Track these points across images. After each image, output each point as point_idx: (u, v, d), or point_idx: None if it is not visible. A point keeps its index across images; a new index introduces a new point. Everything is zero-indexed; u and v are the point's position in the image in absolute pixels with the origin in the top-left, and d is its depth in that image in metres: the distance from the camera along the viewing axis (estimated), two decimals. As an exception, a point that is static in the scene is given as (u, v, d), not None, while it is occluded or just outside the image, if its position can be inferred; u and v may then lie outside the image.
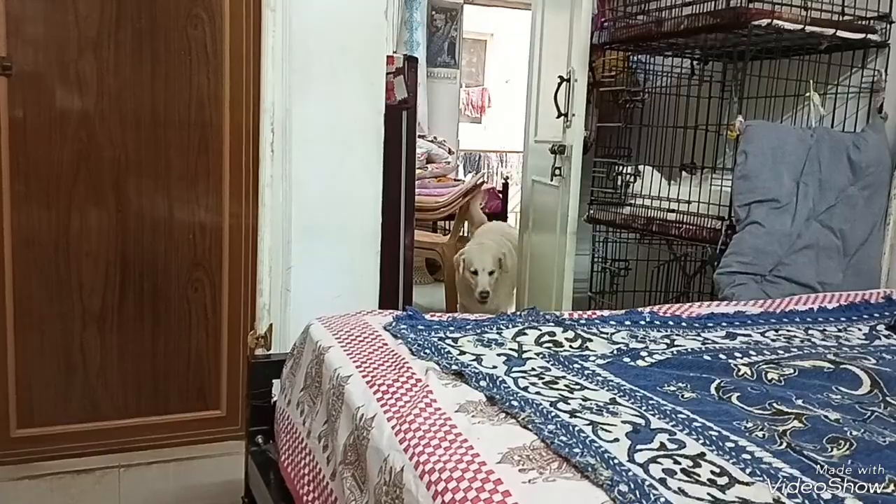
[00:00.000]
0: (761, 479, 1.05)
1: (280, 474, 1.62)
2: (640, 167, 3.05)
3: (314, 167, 2.52)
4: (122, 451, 2.44)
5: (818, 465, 1.10)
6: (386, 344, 1.57)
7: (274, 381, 1.80)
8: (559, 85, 3.16)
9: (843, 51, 2.65)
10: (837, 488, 1.03)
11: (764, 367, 1.56)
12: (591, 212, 3.24)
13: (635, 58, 3.48)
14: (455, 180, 7.73)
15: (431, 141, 7.43)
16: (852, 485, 1.05)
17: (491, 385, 1.34)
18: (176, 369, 2.45)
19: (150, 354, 2.47)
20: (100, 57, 2.30)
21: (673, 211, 2.72)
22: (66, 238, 2.35)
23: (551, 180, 3.26)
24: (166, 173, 2.42)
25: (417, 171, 6.31)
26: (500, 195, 7.19)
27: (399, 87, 3.44)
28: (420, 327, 1.68)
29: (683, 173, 3.01)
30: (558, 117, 3.20)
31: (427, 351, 1.52)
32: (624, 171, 3.06)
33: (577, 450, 1.08)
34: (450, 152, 7.73)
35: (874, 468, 1.11)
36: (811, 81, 2.61)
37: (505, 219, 6.86)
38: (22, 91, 2.24)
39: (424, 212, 5.81)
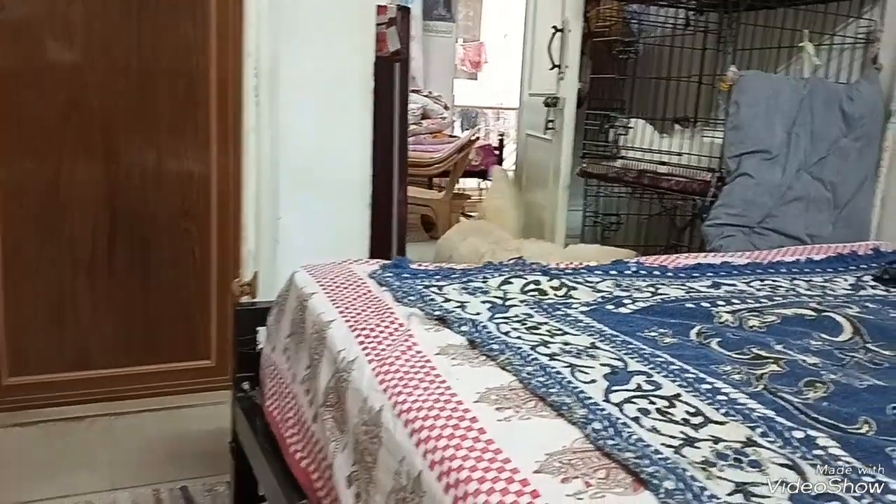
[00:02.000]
0: (735, 418, 1.07)
1: (266, 419, 1.63)
2: (633, 120, 3.02)
3: (302, 116, 2.50)
4: (114, 400, 2.46)
5: (793, 407, 1.11)
6: (370, 291, 1.58)
7: (260, 328, 1.80)
8: (553, 35, 3.12)
9: (839, 0, 2.61)
10: (810, 428, 1.05)
11: (746, 314, 1.57)
12: (584, 165, 3.23)
13: (630, 7, 3.43)
14: (451, 136, 7.68)
15: (426, 96, 7.36)
16: (825, 425, 1.06)
17: (473, 329, 1.34)
18: (166, 319, 2.46)
19: (141, 304, 2.47)
20: (87, 2, 2.26)
21: (664, 164, 2.71)
22: (55, 187, 2.34)
23: (545, 134, 3.25)
24: (154, 122, 2.40)
25: (412, 127, 6.28)
26: (497, 152, 7.16)
27: (392, 38, 3.38)
28: (405, 275, 1.69)
29: (676, 126, 2.99)
30: (552, 69, 3.17)
31: (411, 297, 1.52)
32: (616, 124, 3.04)
33: (553, 390, 1.09)
34: (445, 108, 7.66)
35: (849, 410, 1.12)
36: (806, 31, 2.58)
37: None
38: (10, 39, 2.21)
39: (419, 167, 5.78)
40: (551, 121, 3.32)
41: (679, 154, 2.66)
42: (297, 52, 2.44)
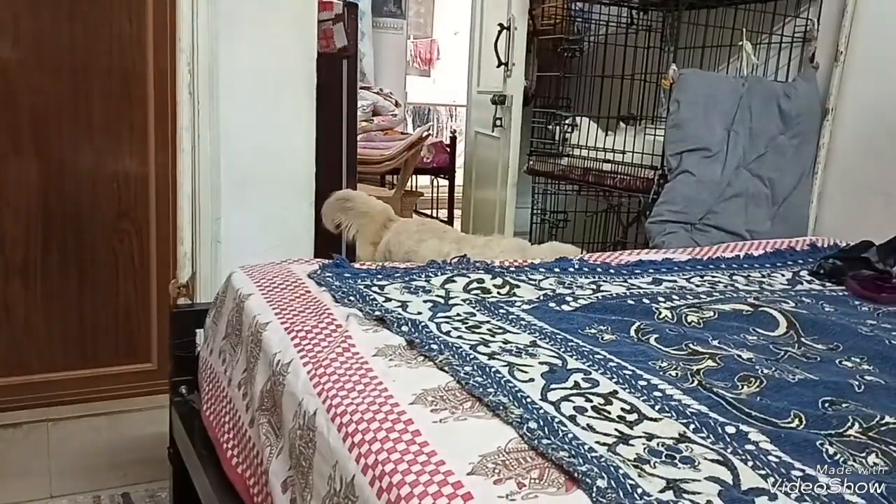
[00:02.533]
0: (669, 415, 1.07)
1: (203, 424, 1.60)
2: (578, 118, 3.04)
3: (243, 114, 2.45)
4: (51, 405, 2.38)
5: (726, 402, 1.13)
6: (309, 291, 1.55)
7: (197, 331, 1.76)
8: (499, 33, 3.12)
9: (777, 0, 2.66)
10: (743, 423, 1.06)
11: (685, 310, 1.58)
12: (531, 163, 3.24)
13: (575, 6, 3.45)
14: (402, 133, 7.64)
15: (377, 93, 7.31)
16: (757, 420, 1.08)
17: (412, 329, 1.33)
18: (104, 322, 2.39)
19: (77, 307, 2.40)
20: (14, 1, 2.18)
21: (609, 161, 2.73)
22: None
23: (493, 131, 3.25)
24: (88, 121, 2.33)
25: (363, 124, 6.23)
26: (448, 149, 7.15)
27: (339, 34, 3.35)
28: (346, 275, 1.66)
29: (621, 124, 3.02)
30: (499, 66, 3.17)
31: (351, 298, 1.50)
32: (562, 123, 3.06)
33: (490, 389, 1.09)
34: (396, 105, 7.62)
35: (780, 404, 1.14)
36: (744, 30, 2.62)
37: (453, 174, 6.82)
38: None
39: (369, 164, 5.73)
40: (499, 118, 3.32)
41: (623, 152, 2.68)
42: (236, 47, 2.39)
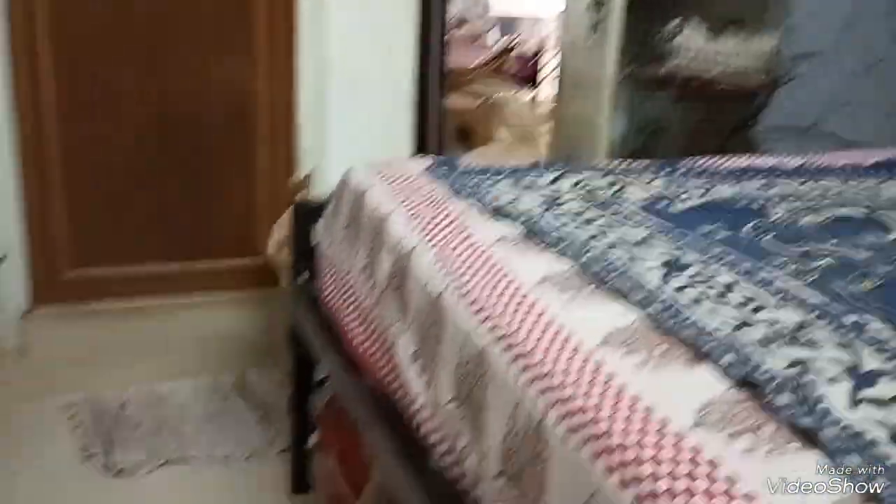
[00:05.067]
0: (789, 305, 1.10)
1: (322, 309, 1.70)
2: (683, 22, 2.95)
3: (350, 14, 2.49)
4: (169, 295, 2.56)
5: (847, 295, 1.14)
6: (424, 186, 1.61)
7: (314, 223, 1.85)
8: (600, -67, 3.02)
9: None
10: (864, 313, 1.07)
11: (799, 212, 1.58)
12: (629, 71, 3.17)
13: None
14: (487, 44, 7.54)
15: (463, 2, 7.21)
16: (877, 312, 1.09)
17: (528, 221, 1.37)
18: (218, 218, 2.52)
19: (194, 203, 2.54)
20: None
21: (715, 67, 2.66)
22: (109, 95, 2.38)
23: (588, 39, 3.18)
24: (202, 28, 2.41)
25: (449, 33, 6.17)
26: (534, 59, 7.03)
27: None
28: (458, 172, 1.71)
29: (729, 28, 2.91)
30: (599, -31, 3.08)
31: (465, 192, 1.55)
32: (665, 27, 2.97)
33: (612, 275, 1.13)
34: (481, 15, 7.51)
35: (900, 300, 1.14)
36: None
37: (537, 86, 6.72)
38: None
39: (456, 75, 5.71)
40: (596, 24, 3.24)
41: (731, 57, 2.61)
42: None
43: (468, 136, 6.16)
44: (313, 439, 1.92)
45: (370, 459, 1.56)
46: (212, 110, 2.49)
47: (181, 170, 2.50)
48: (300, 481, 2.04)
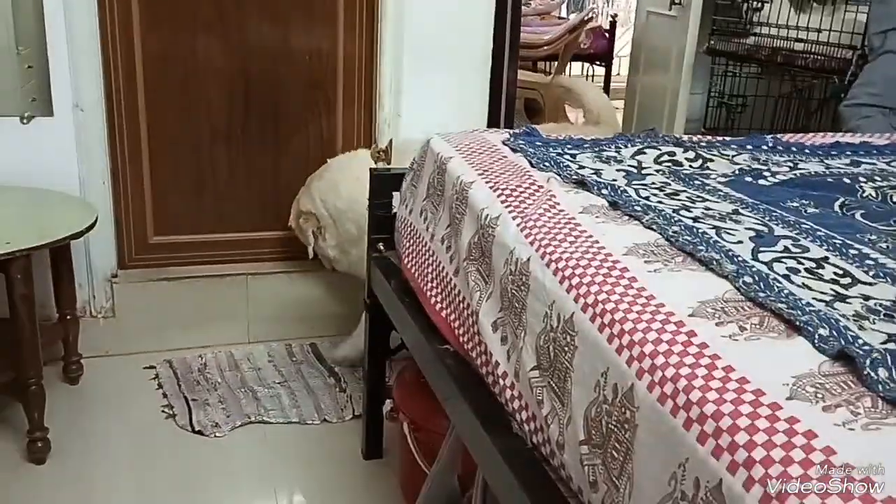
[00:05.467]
0: (884, 280, 1.07)
1: (401, 276, 1.73)
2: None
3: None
4: (249, 261, 2.63)
5: (944, 273, 1.11)
6: (505, 156, 1.61)
7: (393, 193, 1.87)
8: None
9: None
10: (962, 292, 1.04)
11: (889, 190, 1.53)
12: (712, 42, 3.10)
13: None
14: (559, 18, 7.44)
15: (535, -25, 7.11)
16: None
17: (613, 192, 1.37)
18: (296, 186, 2.56)
19: (272, 172, 2.60)
20: None
21: (801, 41, 2.58)
22: (193, 59, 2.44)
23: (670, 9, 3.12)
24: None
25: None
26: (607, 35, 6.91)
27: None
28: (538, 143, 1.71)
29: (814, 3, 2.82)
30: (681, -61, 3.02)
31: (546, 163, 1.55)
32: (750, -1, 2.90)
33: (701, 247, 1.12)
34: (553, -12, 7.40)
35: None
36: None
37: (610, 60, 6.61)
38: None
39: (527, 49, 5.64)
40: (677, -3, 3.18)
41: (818, 31, 2.53)
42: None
43: (536, 112, 6.12)
44: (387, 406, 1.96)
45: (446, 427, 1.58)
46: (293, 79, 2.54)
47: (261, 138, 2.55)
48: (372, 448, 2.09)
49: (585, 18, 6.10)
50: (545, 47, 5.92)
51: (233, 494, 1.95)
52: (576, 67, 7.32)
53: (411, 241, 1.69)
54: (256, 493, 1.96)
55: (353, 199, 2.30)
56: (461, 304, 1.39)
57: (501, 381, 1.22)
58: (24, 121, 2.26)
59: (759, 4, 2.83)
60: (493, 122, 2.81)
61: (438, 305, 1.49)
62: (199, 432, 2.16)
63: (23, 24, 2.30)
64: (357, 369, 2.42)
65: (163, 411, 2.25)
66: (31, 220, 2.08)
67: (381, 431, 2.07)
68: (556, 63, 6.04)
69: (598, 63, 6.71)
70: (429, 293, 1.53)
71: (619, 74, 7.07)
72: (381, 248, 1.87)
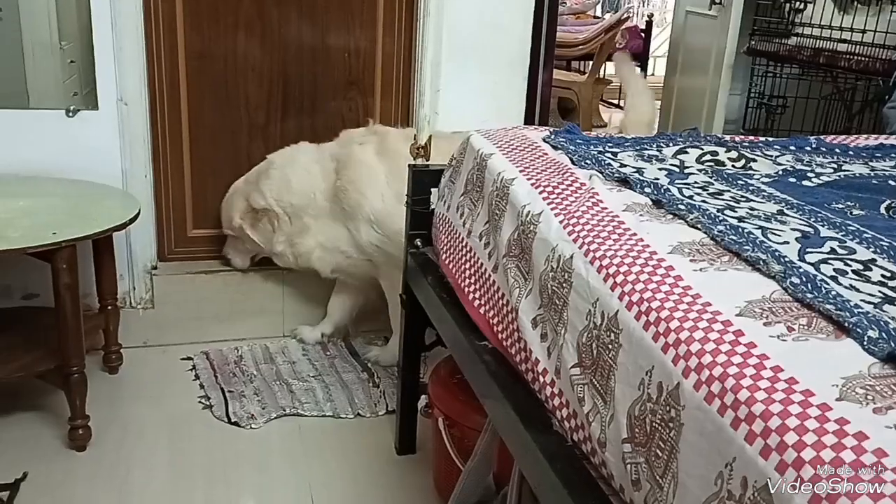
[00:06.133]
0: (936, 284, 1.05)
1: (438, 272, 1.74)
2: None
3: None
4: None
5: None
6: (546, 154, 1.61)
7: (432, 189, 1.88)
8: None
9: None
10: None
11: (937, 194, 1.50)
12: (752, 43, 3.07)
13: None
14: (594, 17, 7.42)
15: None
16: None
17: (656, 191, 1.36)
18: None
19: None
20: None
21: (845, 41, 2.54)
22: (233, 56, 2.48)
23: (710, 9, 3.10)
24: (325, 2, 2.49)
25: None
26: (643, 35, 6.87)
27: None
28: (579, 141, 1.71)
29: (858, 3, 2.78)
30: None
31: (588, 161, 1.54)
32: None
33: (747, 247, 1.11)
34: (589, -12, 7.38)
35: None
36: None
37: (646, 60, 6.57)
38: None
39: (563, 48, 5.64)
40: (718, -4, 3.15)
41: (862, 31, 2.49)
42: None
43: (569, 112, 6.09)
44: (421, 402, 1.96)
45: (481, 423, 1.59)
46: (331, 76, 2.56)
47: (298, 133, 2.58)
48: (406, 443, 2.10)
49: (622, 18, 6.07)
50: (580, 47, 5.91)
51: (268, 486, 1.97)
52: (611, 68, 7.29)
53: (449, 237, 1.70)
54: (291, 484, 1.98)
55: (306, 192, 2.34)
56: (500, 301, 1.39)
57: (541, 379, 1.22)
58: (70, 114, 2.30)
59: (802, 5, 2.79)
60: (528, 122, 2.81)
61: (477, 302, 1.49)
62: (236, 423, 2.19)
63: (65, 20, 2.35)
64: (391, 365, 2.43)
65: (200, 402, 2.28)
66: (76, 212, 2.12)
67: (415, 427, 2.08)
68: (591, 63, 6.02)
69: (636, 61, 6.68)
70: (467, 289, 1.54)
71: (653, 74, 7.02)
72: (419, 244, 1.88)
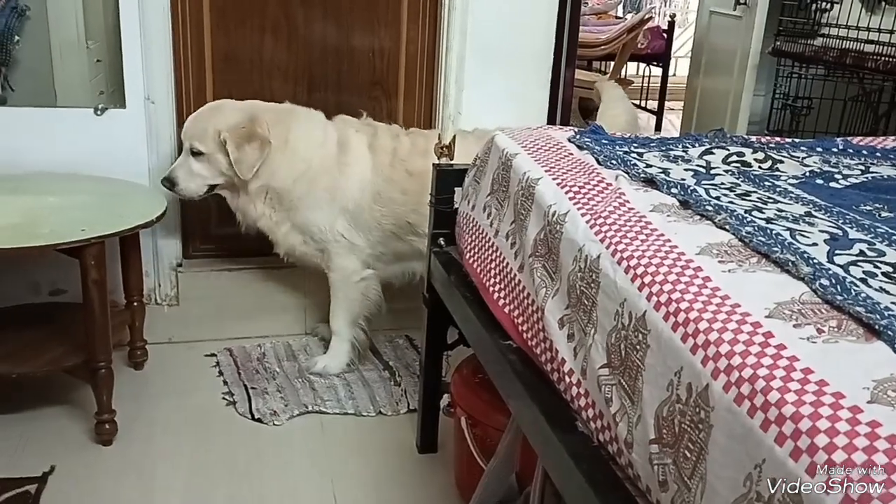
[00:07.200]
0: (968, 288, 1.04)
1: (461, 271, 1.74)
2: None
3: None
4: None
5: None
6: (571, 154, 1.61)
7: (455, 188, 1.88)
8: None
9: None
10: None
11: (967, 196, 1.49)
12: (778, 43, 3.05)
13: None
14: (616, 17, 7.39)
15: (593, -25, 7.07)
16: None
17: (683, 191, 1.36)
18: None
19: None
20: None
21: (872, 42, 2.52)
22: (259, 56, 2.50)
23: (734, 9, 3.08)
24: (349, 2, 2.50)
25: (577, 8, 6.07)
26: (665, 35, 6.83)
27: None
28: (604, 141, 1.71)
29: (886, 3, 2.75)
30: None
31: (613, 161, 1.54)
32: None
33: (776, 248, 1.10)
34: (611, -12, 7.35)
35: None
36: None
37: (668, 61, 6.52)
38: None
39: (585, 48, 5.61)
40: (743, -4, 3.14)
41: (890, 32, 2.46)
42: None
43: (591, 112, 6.07)
44: (444, 401, 1.97)
45: (503, 423, 1.59)
46: (355, 76, 2.58)
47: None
48: (427, 441, 2.11)
49: (644, 18, 6.04)
50: (602, 47, 5.88)
51: (290, 482, 1.99)
52: (632, 68, 7.25)
53: (473, 236, 1.70)
54: (313, 481, 1.99)
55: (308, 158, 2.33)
56: (525, 301, 1.39)
57: (567, 379, 1.22)
58: (98, 112, 2.33)
59: (829, 5, 2.77)
60: (550, 121, 2.81)
61: (501, 301, 1.50)
62: (259, 420, 2.21)
63: (92, 20, 2.39)
64: (412, 364, 2.44)
65: (223, 398, 2.30)
66: (104, 209, 2.14)
67: (437, 426, 2.09)
68: (613, 63, 6.00)
69: (654, 63, 6.64)
70: (491, 289, 1.54)
71: (675, 75, 6.98)
72: (442, 243, 1.89)
